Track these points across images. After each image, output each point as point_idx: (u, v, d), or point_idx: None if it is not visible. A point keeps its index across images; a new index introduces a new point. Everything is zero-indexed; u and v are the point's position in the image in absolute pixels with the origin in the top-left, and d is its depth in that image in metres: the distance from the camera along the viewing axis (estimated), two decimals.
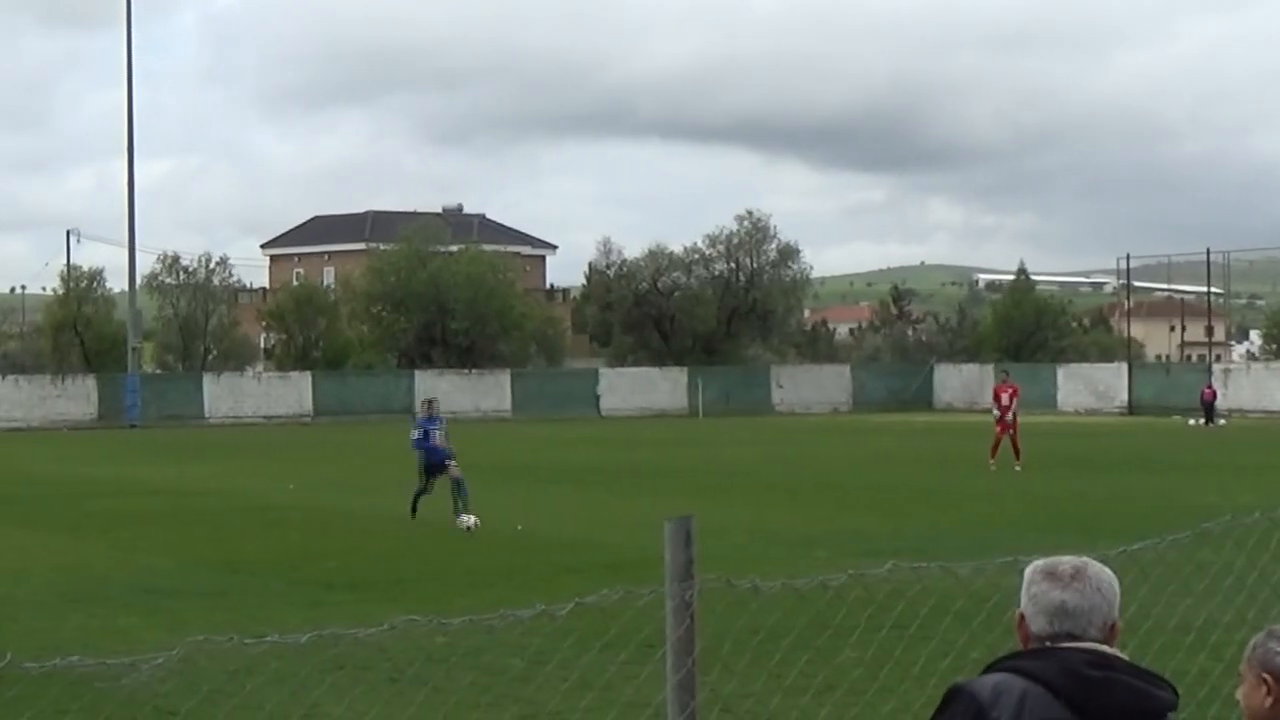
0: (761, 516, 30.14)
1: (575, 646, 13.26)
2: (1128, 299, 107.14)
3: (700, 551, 6.75)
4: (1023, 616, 4.58)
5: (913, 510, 31.53)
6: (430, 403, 32.29)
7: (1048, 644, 4.49)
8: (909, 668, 12.05)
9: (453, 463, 29.83)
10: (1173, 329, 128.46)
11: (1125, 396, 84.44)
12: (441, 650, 14.90)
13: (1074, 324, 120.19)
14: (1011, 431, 42.80)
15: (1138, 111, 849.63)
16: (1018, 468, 41.47)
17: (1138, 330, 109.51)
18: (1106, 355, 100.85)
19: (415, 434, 30.73)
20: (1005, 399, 43.27)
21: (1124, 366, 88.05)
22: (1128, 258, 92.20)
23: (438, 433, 30.42)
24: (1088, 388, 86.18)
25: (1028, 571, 4.63)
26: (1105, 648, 4.48)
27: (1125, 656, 4.50)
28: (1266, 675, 4.80)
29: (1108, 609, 4.53)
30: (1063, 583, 4.52)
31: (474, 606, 15.89)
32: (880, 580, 8.29)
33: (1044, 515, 29.73)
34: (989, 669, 4.53)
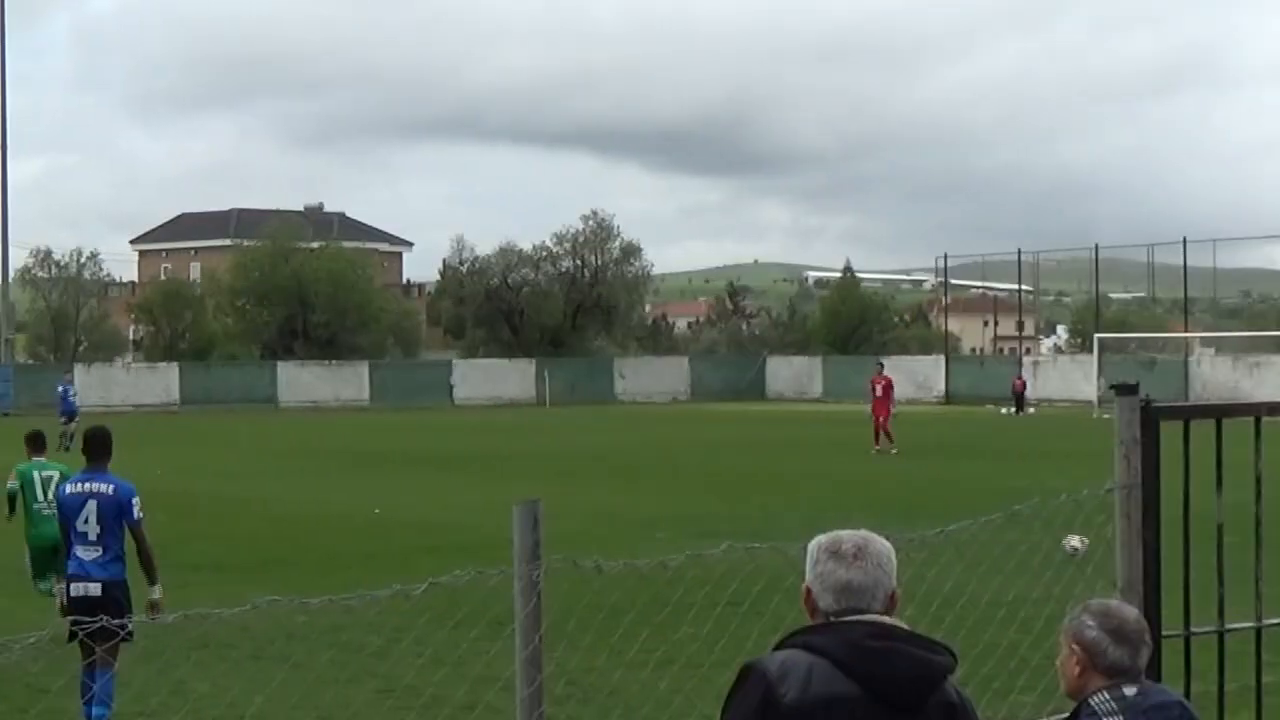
0: (605, 500, 30.16)
1: (430, 624, 13.23)
2: (945, 296, 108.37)
3: (547, 533, 6.76)
4: (809, 591, 4.61)
5: (748, 494, 31.69)
6: None
7: (832, 619, 4.53)
8: (743, 642, 12.12)
9: None
10: (986, 324, 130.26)
11: (943, 387, 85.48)
12: (302, 628, 14.79)
13: (896, 319, 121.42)
14: (882, 419, 43.68)
15: (951, 121, 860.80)
16: (892, 450, 42.60)
17: (954, 325, 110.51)
18: (926, 348, 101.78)
19: None
20: (878, 390, 44.35)
21: (942, 359, 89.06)
22: (945, 257, 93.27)
23: None
24: (908, 379, 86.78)
25: (812, 548, 4.64)
26: (886, 619, 4.53)
27: (905, 625, 4.55)
28: (1076, 646, 4.97)
29: (888, 581, 4.58)
30: (847, 562, 4.55)
31: (333, 586, 15.75)
32: (716, 560, 8.33)
33: (869, 498, 29.95)
34: (779, 645, 4.56)
